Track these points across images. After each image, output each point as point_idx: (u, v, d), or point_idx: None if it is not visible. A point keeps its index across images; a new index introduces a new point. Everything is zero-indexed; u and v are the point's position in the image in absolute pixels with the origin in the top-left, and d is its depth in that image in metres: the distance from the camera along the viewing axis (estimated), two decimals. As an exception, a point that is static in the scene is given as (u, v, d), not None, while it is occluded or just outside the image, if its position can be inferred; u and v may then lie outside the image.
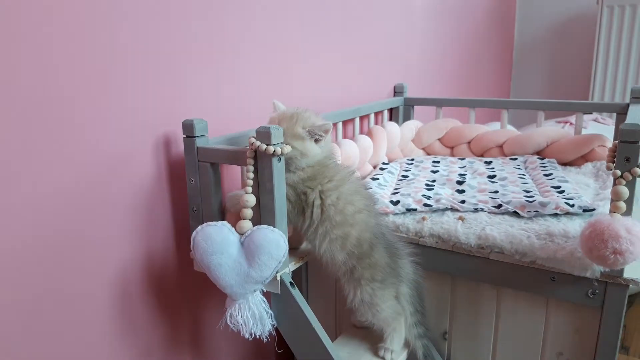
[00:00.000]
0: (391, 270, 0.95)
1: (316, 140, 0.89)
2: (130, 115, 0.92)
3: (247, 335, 0.89)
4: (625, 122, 0.88)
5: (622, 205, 0.84)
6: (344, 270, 0.94)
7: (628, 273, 0.89)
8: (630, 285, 2.04)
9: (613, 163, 0.86)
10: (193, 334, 1.13)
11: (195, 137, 0.91)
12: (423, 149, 1.64)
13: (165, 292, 1.05)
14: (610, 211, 0.85)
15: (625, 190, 0.84)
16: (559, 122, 2.15)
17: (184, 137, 0.93)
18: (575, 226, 0.98)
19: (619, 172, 0.84)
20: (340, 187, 0.91)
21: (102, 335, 0.94)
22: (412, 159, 1.52)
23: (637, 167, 0.83)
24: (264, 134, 0.82)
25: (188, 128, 0.92)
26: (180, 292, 1.08)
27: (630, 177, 0.84)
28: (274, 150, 0.82)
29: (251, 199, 0.86)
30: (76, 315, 0.89)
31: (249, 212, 0.87)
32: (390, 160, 1.52)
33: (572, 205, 1.04)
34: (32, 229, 0.80)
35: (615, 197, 0.85)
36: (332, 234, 0.90)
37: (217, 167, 0.94)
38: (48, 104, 0.79)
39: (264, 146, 0.81)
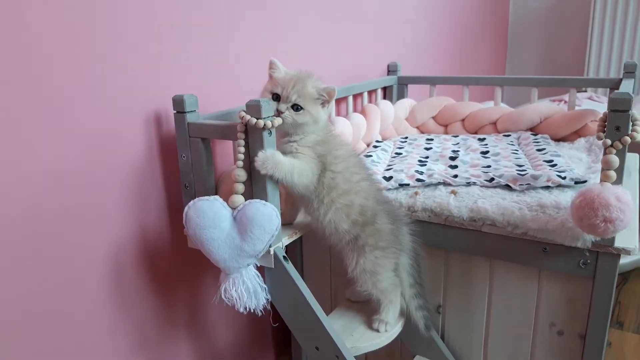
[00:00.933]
0: (394, 238, 0.95)
1: (322, 104, 0.90)
2: (120, 92, 0.91)
3: (241, 309, 0.90)
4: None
5: (613, 174, 0.84)
6: (347, 239, 0.94)
7: (619, 242, 0.89)
8: (625, 261, 2.04)
9: (604, 132, 0.86)
10: (189, 310, 1.14)
11: (185, 112, 0.91)
12: (417, 127, 1.64)
13: (160, 270, 1.05)
14: (601, 180, 0.85)
15: (615, 159, 0.84)
16: (554, 100, 2.15)
17: (174, 113, 0.93)
18: (566, 198, 0.99)
19: (609, 141, 0.84)
20: (348, 158, 0.92)
21: (97, 313, 0.94)
22: (406, 137, 1.52)
23: (627, 135, 0.83)
24: (254, 108, 0.81)
25: (178, 103, 0.91)
26: (175, 269, 1.09)
27: (621, 146, 0.84)
28: (264, 124, 0.81)
29: (242, 174, 0.86)
30: (70, 295, 0.89)
31: (240, 187, 0.87)
32: (384, 139, 1.52)
33: (564, 178, 1.04)
34: (22, 209, 0.80)
35: (606, 166, 0.85)
36: (338, 203, 0.90)
37: (208, 142, 0.94)
38: (35, 80, 0.79)
39: (254, 120, 0.81)
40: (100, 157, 0.90)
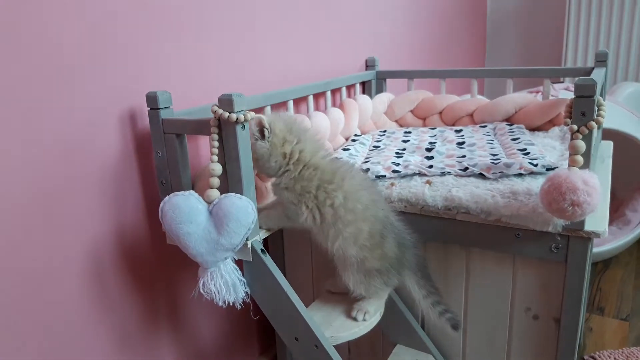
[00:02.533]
0: (397, 262, 0.96)
1: (262, 136, 0.88)
2: (94, 89, 0.91)
3: (220, 303, 0.91)
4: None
5: (580, 158, 0.86)
6: (354, 262, 0.94)
7: (589, 226, 0.91)
8: (606, 248, 2.07)
9: (570, 119, 0.88)
10: (170, 306, 1.15)
11: (159, 109, 0.92)
12: (396, 121, 1.66)
13: (139, 267, 1.06)
14: (569, 165, 0.87)
15: (582, 144, 0.86)
16: (531, 92, 2.17)
17: (148, 110, 0.93)
18: (538, 184, 1.00)
19: (575, 127, 0.86)
20: (344, 186, 0.91)
21: (75, 311, 0.95)
22: (385, 131, 1.54)
23: (593, 121, 0.85)
24: (226, 102, 0.82)
25: (152, 100, 0.92)
26: (154, 266, 1.09)
27: (587, 131, 0.86)
28: (237, 118, 0.82)
29: (217, 168, 0.87)
30: (48, 295, 0.90)
31: (215, 181, 0.88)
32: (363, 133, 1.54)
33: (536, 165, 1.06)
34: None
35: (573, 151, 0.87)
36: (345, 233, 0.91)
37: (183, 138, 0.94)
38: (4, 75, 0.79)
39: (227, 114, 0.82)
40: (75, 155, 0.90)
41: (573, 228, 0.91)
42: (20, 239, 0.84)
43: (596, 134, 1.40)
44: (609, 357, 1.58)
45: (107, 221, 0.97)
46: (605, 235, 0.91)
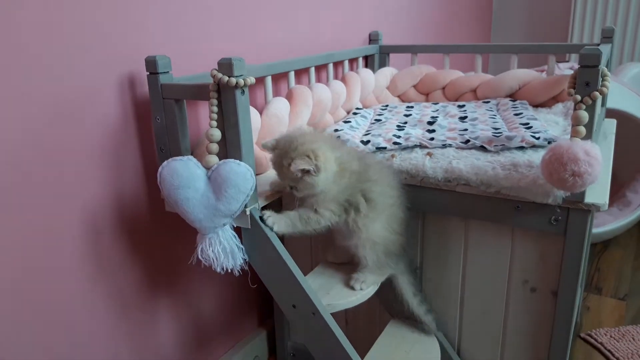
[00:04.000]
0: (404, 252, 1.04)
1: (318, 170, 0.87)
2: (92, 53, 0.90)
3: (218, 269, 0.91)
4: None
5: (582, 129, 0.86)
6: (381, 244, 0.98)
7: (589, 198, 0.91)
8: (606, 229, 2.07)
9: (574, 89, 0.87)
10: (169, 275, 1.15)
11: (158, 73, 0.91)
12: (398, 96, 1.64)
13: (137, 234, 1.06)
14: (571, 136, 0.86)
15: (585, 115, 0.85)
16: (538, 70, 2.15)
17: (147, 74, 0.92)
18: (539, 157, 0.99)
19: (578, 97, 0.85)
20: (379, 179, 0.96)
21: (73, 278, 0.95)
22: (387, 105, 1.52)
23: (597, 91, 0.84)
24: (225, 66, 0.81)
25: (151, 65, 0.91)
26: (153, 233, 1.09)
27: (590, 102, 0.85)
28: (237, 82, 0.81)
29: (216, 134, 0.86)
30: (46, 262, 0.90)
31: (214, 147, 0.87)
32: (365, 107, 1.53)
33: (538, 138, 1.05)
34: None
35: (575, 122, 0.86)
36: (378, 221, 0.96)
37: (182, 104, 0.94)
38: (2, 40, 0.78)
39: (226, 78, 0.81)
40: (74, 121, 0.90)
41: (573, 200, 0.91)
42: (18, 203, 0.84)
43: (600, 109, 1.39)
44: (605, 335, 1.59)
45: (105, 187, 0.97)
46: (606, 208, 0.90)
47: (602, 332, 1.61)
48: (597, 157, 0.83)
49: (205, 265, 0.92)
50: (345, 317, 1.29)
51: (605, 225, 2.12)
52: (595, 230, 2.08)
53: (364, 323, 1.27)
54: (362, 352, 1.06)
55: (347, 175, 0.92)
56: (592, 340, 1.57)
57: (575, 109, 0.86)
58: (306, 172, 0.87)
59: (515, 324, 1.06)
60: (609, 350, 1.52)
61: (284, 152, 0.89)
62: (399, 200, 0.99)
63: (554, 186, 0.87)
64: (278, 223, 0.93)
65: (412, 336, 1.11)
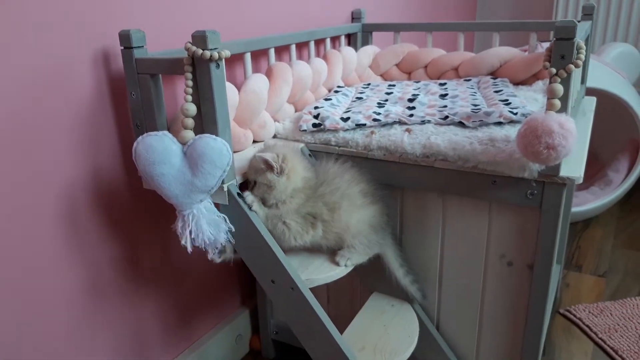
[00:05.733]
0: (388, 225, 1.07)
1: (276, 173, 0.93)
2: (63, 28, 0.89)
3: (199, 245, 0.90)
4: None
5: (557, 102, 0.86)
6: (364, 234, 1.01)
7: (564, 172, 0.91)
8: (586, 208, 2.09)
9: (550, 62, 0.87)
10: (150, 253, 1.15)
11: (132, 48, 0.90)
12: (381, 75, 1.64)
13: (117, 212, 1.05)
14: (546, 109, 0.87)
15: (559, 88, 0.86)
16: (523, 50, 2.16)
17: (121, 49, 0.91)
18: (516, 132, 1.00)
19: (554, 70, 0.86)
20: (340, 188, 0.98)
21: (51, 259, 0.94)
22: (368, 84, 1.52)
23: (571, 64, 0.85)
24: (199, 39, 0.80)
25: (125, 38, 0.89)
26: (132, 211, 1.09)
27: (565, 74, 0.85)
28: (211, 55, 0.80)
29: (191, 108, 0.86)
30: (22, 243, 0.89)
31: (190, 122, 0.87)
32: (346, 85, 1.52)
33: (516, 114, 1.06)
34: None
35: (550, 95, 0.86)
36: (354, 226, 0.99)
37: (157, 79, 0.93)
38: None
39: (200, 51, 0.80)
40: (48, 95, 0.88)
41: (548, 174, 0.91)
42: (-9, 178, 0.83)
43: (578, 85, 1.39)
44: (584, 310, 1.62)
45: (82, 165, 0.96)
46: (580, 181, 0.91)
47: (581, 307, 1.63)
48: (572, 130, 0.84)
49: (187, 247, 0.91)
50: (327, 294, 1.30)
51: (586, 204, 2.15)
52: (576, 209, 2.11)
53: (346, 300, 1.28)
54: (344, 328, 1.07)
55: (306, 193, 0.97)
56: (571, 316, 1.60)
57: (550, 82, 0.87)
58: (269, 167, 0.93)
59: (492, 298, 1.08)
60: (587, 326, 1.55)
61: (262, 150, 0.96)
62: (369, 194, 1.01)
63: (529, 160, 0.88)
64: (257, 204, 0.93)
65: (392, 310, 1.12)
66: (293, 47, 1.36)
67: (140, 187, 1.08)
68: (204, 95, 0.85)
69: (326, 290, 1.29)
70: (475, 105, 1.17)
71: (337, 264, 1.00)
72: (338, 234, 0.98)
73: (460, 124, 1.08)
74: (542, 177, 0.92)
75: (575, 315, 1.60)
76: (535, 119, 0.85)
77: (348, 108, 1.25)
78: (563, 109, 0.86)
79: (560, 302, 1.69)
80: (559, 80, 0.86)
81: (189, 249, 0.89)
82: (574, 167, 0.94)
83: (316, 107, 1.20)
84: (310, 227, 0.97)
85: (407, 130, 1.07)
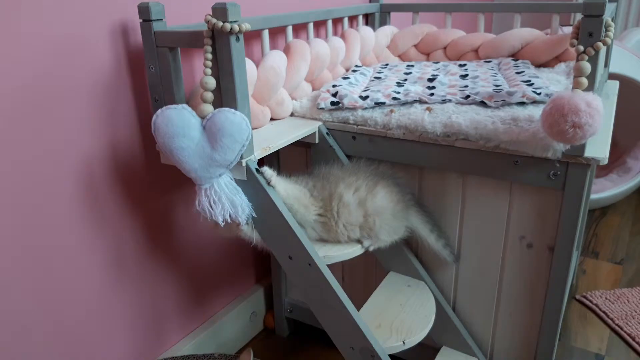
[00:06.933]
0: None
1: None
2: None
3: (220, 220, 0.89)
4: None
5: (584, 80, 0.84)
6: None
7: (589, 152, 0.90)
8: (604, 195, 2.07)
9: (577, 40, 0.85)
10: (167, 228, 1.15)
11: (152, 20, 0.89)
12: (398, 56, 1.62)
13: (134, 187, 1.05)
14: (572, 87, 0.85)
15: (587, 66, 0.83)
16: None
17: (140, 22, 0.90)
18: (540, 112, 0.98)
19: (581, 48, 0.83)
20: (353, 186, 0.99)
21: (70, 233, 0.95)
22: (386, 64, 1.50)
23: (600, 41, 0.82)
24: (220, 11, 0.79)
25: (144, 11, 0.89)
26: (150, 186, 1.09)
27: (593, 52, 0.83)
28: (231, 28, 0.79)
29: (211, 82, 0.85)
30: (41, 217, 0.89)
31: (209, 95, 0.86)
32: (364, 66, 1.50)
33: (539, 94, 1.04)
34: None
35: (577, 73, 0.84)
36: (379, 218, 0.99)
37: (176, 52, 0.92)
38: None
39: (220, 24, 0.79)
40: (64, 70, 0.88)
41: (573, 154, 0.90)
42: (10, 159, 0.83)
43: (602, 66, 1.36)
44: (601, 297, 1.60)
45: (99, 139, 0.96)
46: (605, 162, 0.90)
47: (598, 294, 1.62)
48: (599, 109, 0.82)
49: (203, 222, 0.91)
50: (342, 273, 1.29)
51: (604, 191, 2.12)
52: (594, 196, 2.08)
53: (361, 280, 1.28)
54: (359, 307, 1.07)
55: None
56: (587, 302, 1.58)
57: (577, 60, 0.84)
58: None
59: (510, 279, 1.06)
60: (603, 312, 1.53)
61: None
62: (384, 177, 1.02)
63: (554, 139, 0.86)
64: (276, 179, 0.92)
65: (408, 290, 1.11)
66: (311, 25, 1.34)
67: (158, 162, 1.08)
68: (223, 68, 0.84)
69: (341, 270, 1.29)
70: (497, 85, 1.15)
71: (361, 242, 0.99)
72: (359, 226, 0.98)
73: (482, 104, 1.06)
74: (566, 158, 0.91)
75: (591, 302, 1.58)
76: (562, 97, 0.83)
77: (366, 87, 1.24)
78: (590, 87, 0.84)
79: (577, 288, 1.67)
80: (587, 58, 0.83)
81: (220, 221, 0.89)
82: (598, 147, 0.92)
83: (334, 86, 1.19)
84: (328, 204, 0.97)
85: (428, 108, 1.05)
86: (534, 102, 1.04)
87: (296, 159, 1.25)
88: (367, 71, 1.38)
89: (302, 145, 1.20)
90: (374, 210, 0.97)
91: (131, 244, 1.07)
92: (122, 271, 1.06)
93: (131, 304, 1.10)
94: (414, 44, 1.59)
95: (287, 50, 1.16)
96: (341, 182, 0.98)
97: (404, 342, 0.98)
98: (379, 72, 1.38)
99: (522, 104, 1.04)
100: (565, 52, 1.40)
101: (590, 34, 0.83)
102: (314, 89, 1.27)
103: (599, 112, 0.82)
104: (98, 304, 1.03)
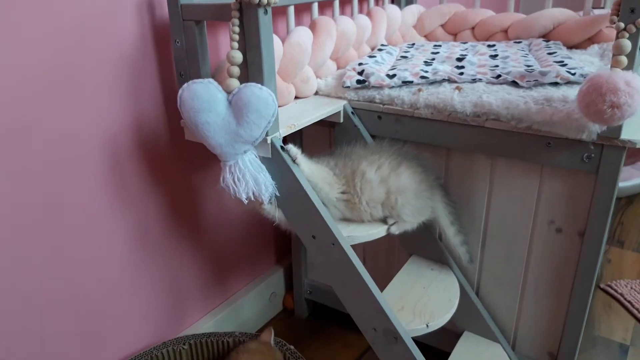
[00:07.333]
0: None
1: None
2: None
3: (243, 197, 0.89)
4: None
5: (623, 59, 0.80)
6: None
7: (625, 134, 0.86)
8: (630, 184, 2.01)
9: (617, 16, 0.82)
10: (187, 207, 1.14)
11: (178, -8, 0.87)
12: (425, 36, 1.58)
13: (158, 164, 1.05)
14: (611, 66, 0.82)
15: (627, 44, 0.80)
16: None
17: (167, -6, 0.89)
18: (575, 93, 0.95)
19: (622, 25, 0.80)
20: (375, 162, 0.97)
21: (93, 208, 0.94)
22: (413, 44, 1.47)
23: (643, 18, 0.79)
24: (249, -18, 0.77)
25: (171, -17, 0.87)
26: (174, 163, 1.08)
27: (634, 29, 0.79)
28: (259, 1, 0.77)
29: (237, 56, 0.83)
30: (64, 194, 0.89)
31: (235, 70, 0.84)
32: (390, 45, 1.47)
33: (574, 74, 1.00)
34: (8, 101, 0.78)
35: (617, 51, 0.81)
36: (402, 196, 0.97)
37: (202, 26, 0.90)
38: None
39: (249, -5, 0.77)
40: (90, 45, 0.87)
41: (608, 136, 0.86)
42: (36, 134, 0.83)
43: None
44: (626, 286, 1.57)
45: (123, 114, 0.95)
46: (643, 145, 0.86)
47: (623, 283, 1.58)
48: (638, 88, 0.78)
49: (225, 201, 0.90)
50: (363, 255, 1.28)
51: (631, 179, 2.07)
52: (620, 184, 2.03)
53: (383, 263, 1.26)
54: (380, 290, 1.06)
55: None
56: (612, 291, 1.55)
57: (617, 37, 0.81)
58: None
59: (537, 265, 1.04)
60: (628, 301, 1.50)
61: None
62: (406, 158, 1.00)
63: (590, 119, 0.83)
64: (301, 156, 0.91)
65: (431, 274, 1.10)
66: (336, 2, 1.32)
67: (182, 139, 1.07)
68: (250, 42, 0.82)
69: (362, 252, 1.28)
70: (529, 65, 1.12)
71: (386, 222, 0.98)
72: (382, 204, 0.96)
73: (514, 84, 1.03)
74: (601, 140, 0.87)
75: (616, 291, 1.55)
76: (600, 76, 0.79)
77: (393, 66, 1.21)
78: (629, 66, 0.81)
79: (602, 277, 1.64)
80: (627, 35, 0.80)
81: (243, 198, 0.88)
82: (635, 129, 0.89)
83: (360, 64, 1.16)
84: (351, 180, 0.96)
85: (457, 88, 1.02)
86: (568, 82, 1.01)
87: (319, 139, 1.23)
88: (393, 50, 1.35)
89: (325, 125, 1.18)
90: (396, 188, 0.95)
91: (155, 222, 1.07)
92: (146, 249, 1.06)
93: (153, 281, 1.10)
94: (440, 24, 1.56)
95: (312, 27, 1.14)
96: (364, 160, 0.97)
97: (427, 325, 0.96)
98: (405, 52, 1.35)
99: (555, 84, 1.01)
100: (599, 33, 1.35)
101: (632, 10, 0.79)
102: (338, 68, 1.25)
103: (638, 92, 0.78)
104: (121, 281, 1.03)
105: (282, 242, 1.48)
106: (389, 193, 0.95)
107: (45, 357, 0.92)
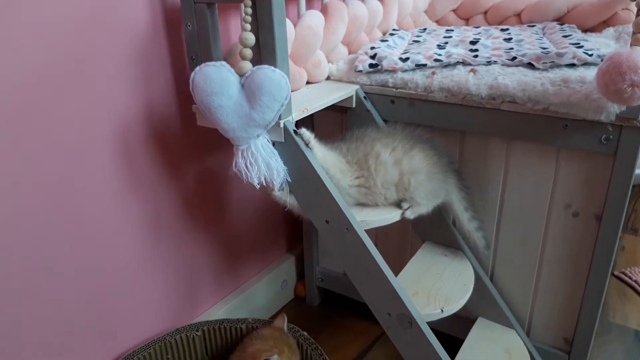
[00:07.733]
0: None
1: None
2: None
3: (255, 182, 0.88)
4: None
5: (645, 37, 0.79)
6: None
7: (645, 116, 0.85)
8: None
9: (639, -7, 0.80)
10: (199, 193, 1.14)
11: (189, -26, 0.86)
12: (436, 21, 1.56)
13: (170, 149, 1.04)
14: (631, 44, 0.80)
15: (649, 21, 0.78)
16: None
17: (178, -24, 0.88)
18: (592, 74, 0.93)
19: (644, 1, 0.78)
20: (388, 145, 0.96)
21: (106, 193, 0.94)
22: (425, 29, 1.45)
23: (665, -6, 0.77)
24: (261, -38, 0.76)
25: (182, -36, 0.86)
26: (185, 148, 1.07)
27: (657, 6, 0.78)
28: (272, -20, 0.76)
29: (250, 37, 0.82)
30: (77, 177, 0.89)
31: (248, 52, 0.83)
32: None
33: (591, 55, 0.98)
34: (21, 76, 0.78)
35: (637, 29, 0.79)
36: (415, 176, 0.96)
37: (214, 8, 0.89)
38: None
39: (262, -25, 0.76)
40: (100, 29, 0.86)
41: (627, 117, 0.85)
42: (48, 118, 0.82)
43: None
44: (640, 273, 1.55)
45: (134, 99, 0.95)
46: (663, 127, 0.85)
47: (637, 270, 1.57)
48: (660, 67, 0.76)
49: (237, 190, 0.89)
50: (375, 241, 1.27)
51: (645, 166, 2.04)
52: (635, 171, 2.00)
53: (395, 249, 1.26)
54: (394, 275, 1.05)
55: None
56: (627, 278, 1.54)
57: (637, 15, 0.79)
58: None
59: (553, 249, 1.03)
60: (643, 288, 1.49)
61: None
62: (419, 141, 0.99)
63: (609, 99, 0.81)
64: (314, 141, 0.90)
65: (445, 259, 1.09)
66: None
67: (193, 125, 1.07)
68: (263, 24, 0.81)
69: (375, 237, 1.27)
70: (544, 48, 1.10)
71: (401, 207, 0.97)
72: (395, 185, 0.96)
73: (530, 66, 1.01)
74: (619, 121, 0.86)
75: (630, 278, 1.53)
76: (620, 54, 0.78)
77: (405, 50, 1.20)
78: (651, 44, 0.79)
79: (615, 264, 1.62)
80: (649, 12, 0.78)
81: (255, 183, 0.87)
82: (655, 111, 0.87)
83: (372, 48, 1.15)
84: (365, 166, 0.96)
85: (472, 70, 1.01)
86: (585, 64, 0.99)
87: (331, 124, 1.22)
88: (405, 35, 1.33)
89: (337, 110, 1.17)
90: (409, 169, 0.94)
91: (167, 210, 1.06)
92: (159, 237, 1.06)
93: (166, 269, 1.10)
94: (452, 9, 1.54)
95: (324, 11, 1.13)
96: (378, 142, 0.96)
97: (442, 310, 0.95)
98: (417, 36, 1.34)
99: (572, 65, 0.99)
100: (614, 16, 1.33)
101: (653, -13, 0.77)
102: (350, 52, 1.23)
103: (660, 71, 0.76)
104: (135, 268, 1.03)
105: (293, 231, 1.47)
106: (402, 174, 0.94)
107: (61, 344, 0.92)
